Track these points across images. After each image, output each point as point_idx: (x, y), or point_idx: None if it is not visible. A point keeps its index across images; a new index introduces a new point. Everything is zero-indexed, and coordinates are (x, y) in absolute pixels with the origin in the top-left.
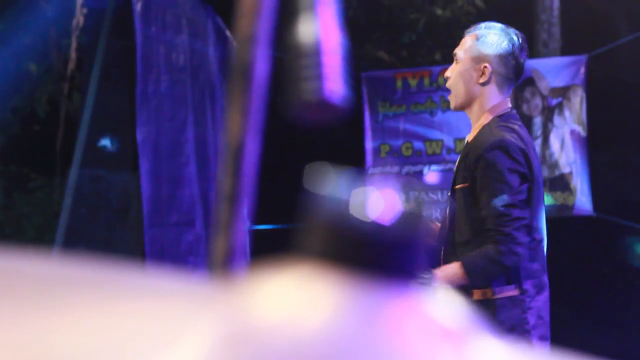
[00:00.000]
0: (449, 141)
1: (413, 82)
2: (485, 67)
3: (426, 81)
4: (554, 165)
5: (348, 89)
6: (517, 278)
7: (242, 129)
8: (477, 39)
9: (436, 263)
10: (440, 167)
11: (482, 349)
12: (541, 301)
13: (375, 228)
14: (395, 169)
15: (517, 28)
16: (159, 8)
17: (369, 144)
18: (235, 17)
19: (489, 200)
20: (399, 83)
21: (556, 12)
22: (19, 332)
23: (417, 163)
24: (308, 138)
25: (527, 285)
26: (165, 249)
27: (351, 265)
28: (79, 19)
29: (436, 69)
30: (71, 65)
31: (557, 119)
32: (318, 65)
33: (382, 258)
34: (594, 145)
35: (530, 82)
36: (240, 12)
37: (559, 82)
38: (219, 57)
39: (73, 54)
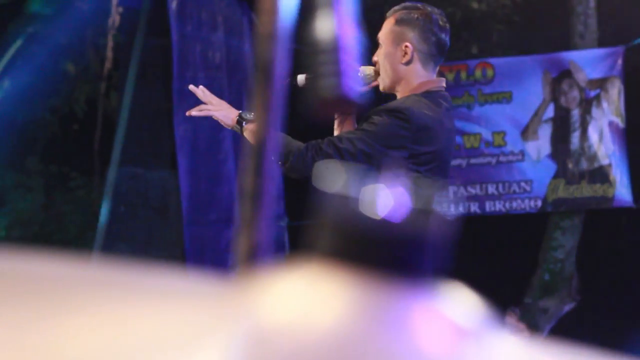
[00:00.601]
0: (487, 135)
1: (450, 76)
2: (406, 46)
3: (463, 75)
4: (593, 157)
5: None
6: None
7: (263, 126)
8: (396, 20)
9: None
10: (478, 161)
11: (498, 347)
12: None
13: (385, 226)
14: None
15: (553, 20)
16: (195, 6)
17: None
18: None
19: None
20: None
21: (592, 3)
22: (38, 335)
23: (456, 157)
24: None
25: None
26: (204, 246)
27: (361, 264)
28: (114, 18)
29: (472, 62)
30: (108, 65)
31: (595, 111)
32: (336, 62)
33: (392, 256)
34: (633, 136)
35: (568, 74)
36: (261, 8)
37: (596, 73)
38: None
39: (109, 53)
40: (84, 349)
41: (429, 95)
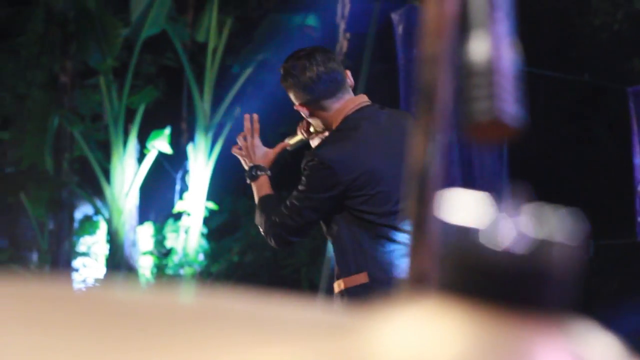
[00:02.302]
0: None
1: None
2: (300, 105)
3: None
4: None
5: (520, 108)
6: (365, 267)
7: (426, 152)
8: (285, 88)
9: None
10: None
11: None
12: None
13: (507, 257)
14: None
15: None
16: None
17: (637, 160)
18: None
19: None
20: None
21: None
22: None
23: None
24: (576, 154)
25: (376, 272)
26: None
27: (483, 298)
28: (342, 43)
29: None
30: None
31: None
32: (490, 85)
33: (515, 289)
34: None
35: None
36: (424, 31)
37: None
38: None
39: None
40: None
41: (345, 122)
